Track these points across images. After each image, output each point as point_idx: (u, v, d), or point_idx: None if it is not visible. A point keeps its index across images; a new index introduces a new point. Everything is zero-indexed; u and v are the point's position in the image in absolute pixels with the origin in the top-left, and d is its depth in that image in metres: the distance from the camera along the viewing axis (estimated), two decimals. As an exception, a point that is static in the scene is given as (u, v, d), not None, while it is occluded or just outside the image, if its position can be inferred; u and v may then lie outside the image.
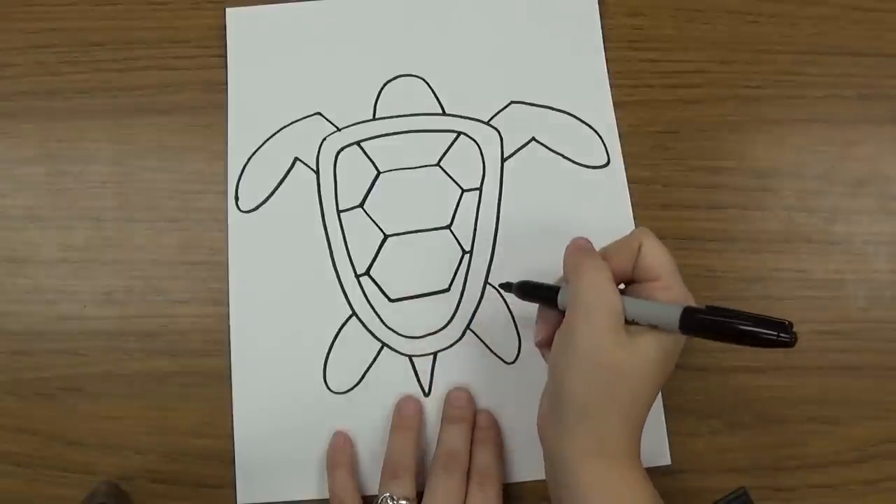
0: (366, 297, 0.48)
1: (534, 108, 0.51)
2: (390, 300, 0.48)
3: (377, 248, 0.48)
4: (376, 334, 0.47)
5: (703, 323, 0.34)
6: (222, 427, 0.46)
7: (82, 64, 0.51)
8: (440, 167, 0.50)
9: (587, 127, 0.50)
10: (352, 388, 0.46)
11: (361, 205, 0.49)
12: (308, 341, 0.47)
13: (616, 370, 0.35)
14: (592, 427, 0.36)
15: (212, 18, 0.52)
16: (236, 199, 0.49)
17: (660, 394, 0.45)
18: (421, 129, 0.50)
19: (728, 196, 0.49)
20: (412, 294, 0.48)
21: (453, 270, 0.48)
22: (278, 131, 0.50)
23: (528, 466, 0.45)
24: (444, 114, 0.51)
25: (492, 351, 0.47)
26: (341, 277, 0.48)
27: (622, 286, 0.38)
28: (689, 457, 0.46)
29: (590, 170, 0.50)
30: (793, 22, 0.52)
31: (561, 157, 0.50)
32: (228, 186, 0.49)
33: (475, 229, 0.49)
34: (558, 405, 0.37)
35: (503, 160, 0.50)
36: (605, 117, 0.50)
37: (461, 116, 0.51)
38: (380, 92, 0.51)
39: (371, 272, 0.48)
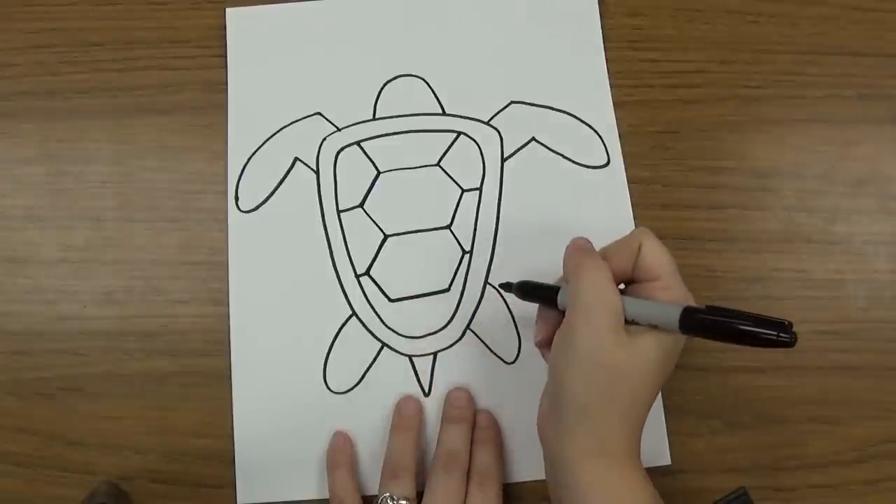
0: (366, 297, 0.48)
1: (534, 108, 0.51)
2: (390, 300, 0.48)
3: (377, 248, 0.48)
4: (376, 334, 0.47)
5: (703, 323, 0.34)
6: (222, 427, 0.46)
7: (82, 64, 0.51)
8: (440, 167, 0.50)
9: (587, 127, 0.50)
10: (352, 388, 0.46)
11: (361, 205, 0.49)
12: (308, 341, 0.47)
13: (616, 370, 0.35)
14: (592, 427, 0.36)
15: (212, 18, 0.52)
16: (236, 199, 0.49)
17: (660, 394, 0.45)
18: (421, 129, 0.50)
19: (728, 196, 0.49)
20: (412, 294, 0.48)
21: (453, 270, 0.48)
22: (278, 131, 0.50)
23: (528, 466, 0.45)
24: (444, 114, 0.51)
25: (492, 351, 0.47)
26: (341, 277, 0.48)
27: (622, 286, 0.38)
28: (689, 457, 0.46)
29: (590, 170, 0.50)
30: (793, 22, 0.52)
31: (561, 157, 0.50)
32: (228, 186, 0.49)
33: (475, 229, 0.49)
34: (558, 405, 0.37)
35: (503, 160, 0.50)
36: (605, 117, 0.50)
37: (461, 116, 0.51)
38: (380, 92, 0.51)
39: (371, 272, 0.48)
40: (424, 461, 0.45)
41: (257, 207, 0.49)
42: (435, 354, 0.47)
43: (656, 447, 0.45)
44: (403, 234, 0.49)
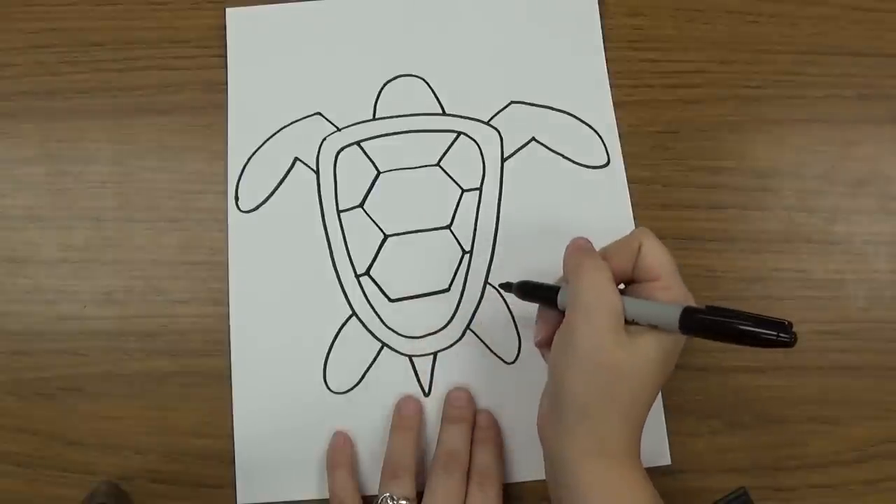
0: (366, 297, 0.48)
1: (534, 108, 0.51)
2: (390, 300, 0.48)
3: (377, 248, 0.48)
4: (376, 334, 0.47)
5: (703, 323, 0.34)
6: (222, 427, 0.46)
7: (82, 64, 0.51)
8: (440, 167, 0.50)
9: (587, 127, 0.50)
10: (352, 388, 0.46)
11: (361, 205, 0.49)
12: (308, 341, 0.47)
13: (616, 370, 0.35)
14: (592, 427, 0.36)
15: (212, 18, 0.52)
16: (236, 199, 0.49)
17: (660, 394, 0.45)
18: (421, 129, 0.50)
19: (728, 196, 0.49)
20: (412, 294, 0.48)
21: (453, 270, 0.48)
22: (278, 131, 0.50)
23: (528, 466, 0.45)
24: (444, 114, 0.51)
25: (492, 351, 0.47)
26: (341, 277, 0.48)
27: (622, 286, 0.38)
28: (689, 457, 0.46)
29: (590, 170, 0.50)
30: (793, 22, 0.52)
31: (561, 157, 0.50)
32: (228, 186, 0.49)
33: (475, 229, 0.49)
34: (558, 405, 0.37)
35: (503, 160, 0.50)
36: (605, 117, 0.50)
37: (461, 116, 0.51)
38: (380, 92, 0.51)
39: (371, 272, 0.48)
40: (424, 461, 0.45)
41: (257, 207, 0.49)
42: (435, 354, 0.47)
43: (656, 447, 0.45)
44: (403, 234, 0.49)
